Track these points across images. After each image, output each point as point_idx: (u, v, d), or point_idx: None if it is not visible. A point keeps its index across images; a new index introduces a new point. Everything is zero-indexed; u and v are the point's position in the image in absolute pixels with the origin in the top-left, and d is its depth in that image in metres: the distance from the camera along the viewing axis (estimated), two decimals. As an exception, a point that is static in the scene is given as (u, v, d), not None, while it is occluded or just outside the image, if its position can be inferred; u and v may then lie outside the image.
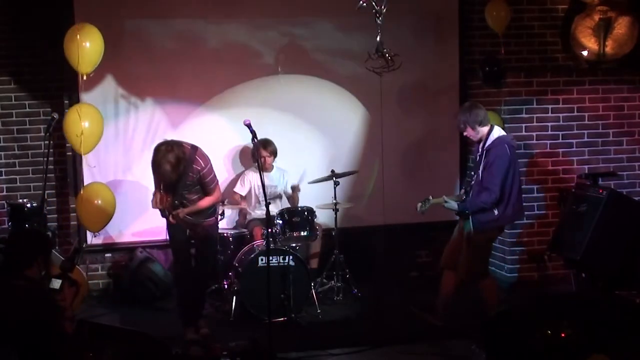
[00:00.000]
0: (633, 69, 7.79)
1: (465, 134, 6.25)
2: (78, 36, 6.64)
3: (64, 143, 7.52)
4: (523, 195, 7.62)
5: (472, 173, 6.27)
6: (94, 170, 7.54)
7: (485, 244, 6.19)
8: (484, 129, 6.12)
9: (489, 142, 6.08)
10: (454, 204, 6.18)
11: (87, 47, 6.72)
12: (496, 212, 6.02)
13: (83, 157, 6.98)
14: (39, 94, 7.54)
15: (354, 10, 8.04)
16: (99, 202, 7.04)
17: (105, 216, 7.09)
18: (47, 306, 4.38)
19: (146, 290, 7.38)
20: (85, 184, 7.48)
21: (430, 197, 6.23)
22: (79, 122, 6.75)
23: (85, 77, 6.76)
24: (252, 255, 6.75)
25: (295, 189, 7.76)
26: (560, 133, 7.72)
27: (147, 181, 7.74)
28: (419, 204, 6.24)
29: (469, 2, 8.13)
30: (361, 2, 6.00)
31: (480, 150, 6.16)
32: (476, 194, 6.06)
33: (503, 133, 6.18)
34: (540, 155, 7.70)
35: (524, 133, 7.66)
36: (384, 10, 6.01)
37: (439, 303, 6.40)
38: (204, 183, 6.22)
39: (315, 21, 7.97)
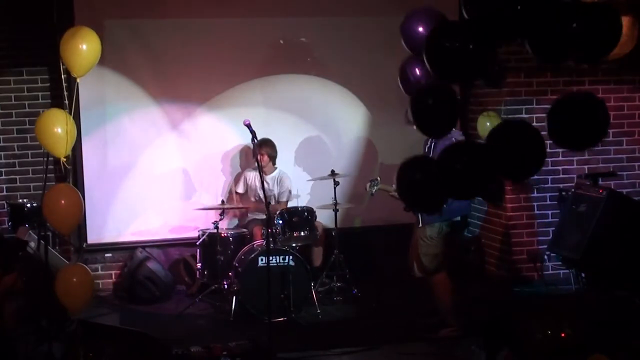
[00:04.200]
0: (633, 69, 7.79)
1: (415, 127, 6.24)
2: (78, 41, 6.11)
3: (63, 143, 7.52)
4: (522, 196, 7.69)
5: None
6: (94, 170, 7.54)
7: (434, 238, 6.16)
8: None
9: None
10: None
11: (84, 49, 6.16)
12: (444, 204, 6.03)
13: (62, 158, 6.66)
14: (39, 94, 7.54)
15: (355, 10, 8.07)
16: (63, 202, 6.18)
17: (72, 217, 6.23)
18: None
19: (146, 290, 7.38)
20: (85, 185, 7.50)
21: (378, 179, 6.45)
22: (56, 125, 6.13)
23: (78, 80, 6.57)
24: (252, 255, 6.75)
25: (281, 203, 7.63)
26: (560, 133, 7.70)
27: (146, 181, 7.77)
28: (368, 184, 6.46)
29: (469, 2, 8.13)
30: None
31: (429, 143, 6.18)
32: None
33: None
34: (540, 155, 7.68)
35: (523, 133, 7.65)
36: None
37: (444, 312, 6.32)
38: None
39: (316, 21, 7.97)
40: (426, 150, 6.27)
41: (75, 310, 6.26)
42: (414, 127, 6.22)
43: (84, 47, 6.15)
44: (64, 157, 6.20)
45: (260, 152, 7.42)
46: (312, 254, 7.53)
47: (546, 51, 4.20)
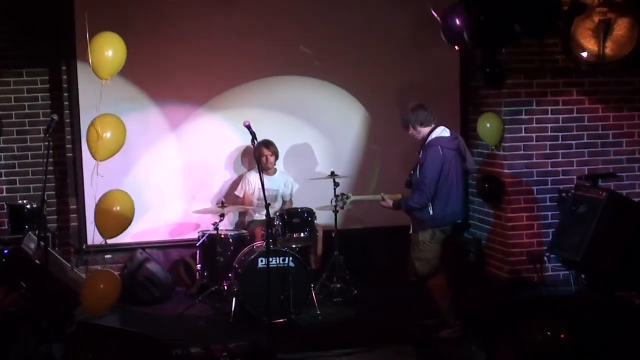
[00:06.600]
0: (633, 71, 7.79)
1: (409, 132, 6.34)
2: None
3: (63, 144, 7.55)
4: (523, 197, 7.68)
5: (412, 172, 6.31)
6: (94, 170, 7.53)
7: (426, 243, 6.17)
8: (425, 130, 6.23)
9: (426, 142, 6.18)
10: (389, 202, 6.36)
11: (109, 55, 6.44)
12: (431, 211, 6.08)
13: (97, 164, 6.77)
14: (39, 96, 7.54)
15: (353, 12, 8.06)
16: (118, 209, 6.60)
17: (122, 224, 6.68)
18: None
19: (146, 291, 7.38)
20: (86, 186, 7.49)
21: (350, 194, 6.69)
22: (98, 131, 6.46)
23: (104, 83, 6.61)
24: (252, 257, 6.75)
25: (287, 202, 7.76)
26: (560, 134, 7.71)
27: (146, 182, 7.77)
28: (333, 199, 6.69)
29: (469, 4, 8.13)
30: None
31: (419, 149, 6.26)
32: (411, 194, 6.16)
33: (444, 134, 6.19)
34: (540, 156, 7.69)
35: (523, 134, 7.66)
36: None
37: (444, 314, 6.33)
38: None
39: (315, 22, 7.97)
40: (418, 154, 6.31)
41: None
42: (409, 132, 6.31)
43: (110, 52, 6.36)
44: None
45: (267, 153, 7.48)
46: (309, 258, 7.53)
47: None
